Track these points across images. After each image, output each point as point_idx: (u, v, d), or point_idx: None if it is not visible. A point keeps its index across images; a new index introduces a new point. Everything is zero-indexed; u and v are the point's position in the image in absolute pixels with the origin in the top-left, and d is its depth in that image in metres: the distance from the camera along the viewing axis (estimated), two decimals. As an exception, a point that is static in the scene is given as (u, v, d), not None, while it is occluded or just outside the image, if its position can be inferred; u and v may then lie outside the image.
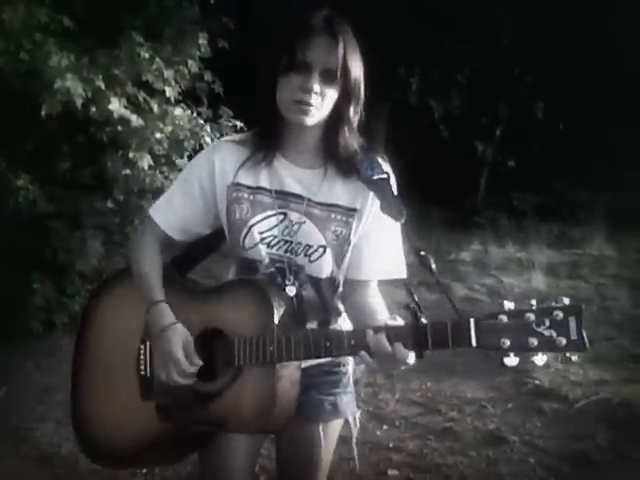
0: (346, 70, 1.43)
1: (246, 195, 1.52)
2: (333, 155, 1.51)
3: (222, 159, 1.53)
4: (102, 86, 3.79)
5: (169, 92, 4.29)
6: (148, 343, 1.56)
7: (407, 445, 3.21)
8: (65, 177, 4.31)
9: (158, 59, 4.13)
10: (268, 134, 1.52)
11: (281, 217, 1.51)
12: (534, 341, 1.18)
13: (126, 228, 4.50)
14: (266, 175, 1.52)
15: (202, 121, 4.57)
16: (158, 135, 4.23)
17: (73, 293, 4.36)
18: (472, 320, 1.23)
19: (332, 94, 1.45)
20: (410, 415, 3.52)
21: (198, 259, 1.75)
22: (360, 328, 1.38)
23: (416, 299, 1.28)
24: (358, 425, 1.67)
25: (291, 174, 1.52)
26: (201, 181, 1.55)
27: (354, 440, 1.68)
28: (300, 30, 1.44)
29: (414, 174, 8.99)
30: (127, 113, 3.97)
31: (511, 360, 1.20)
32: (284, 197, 1.51)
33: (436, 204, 8.97)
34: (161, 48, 4.27)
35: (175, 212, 1.57)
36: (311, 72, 1.41)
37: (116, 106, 3.88)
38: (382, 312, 1.52)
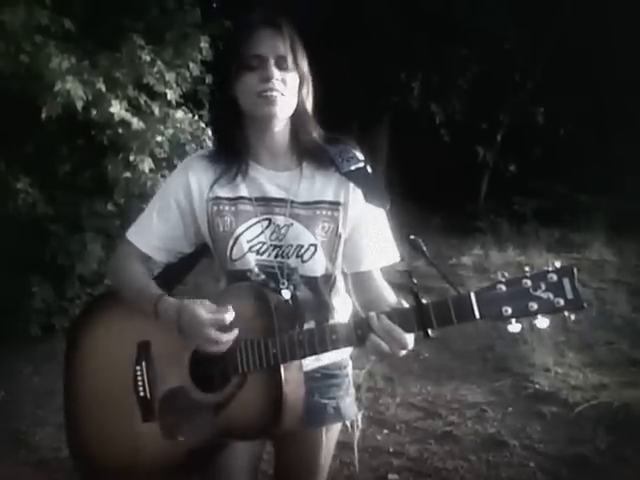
0: (295, 57, 1.46)
1: (227, 207, 1.51)
2: (305, 152, 1.51)
3: (197, 175, 1.53)
4: (103, 89, 3.79)
5: (170, 95, 4.30)
6: (144, 364, 1.52)
7: (407, 449, 3.19)
8: (65, 180, 4.31)
9: (159, 62, 4.14)
10: (237, 145, 1.51)
11: (266, 223, 1.50)
12: (534, 305, 1.21)
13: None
14: (244, 185, 1.52)
15: (203, 124, 4.58)
16: (159, 138, 4.23)
17: (73, 297, 4.35)
18: (472, 293, 1.26)
19: (292, 80, 1.46)
20: (410, 419, 3.51)
21: (181, 276, 1.71)
22: (364, 317, 1.36)
23: (415, 281, 1.30)
24: (359, 426, 1.66)
25: (269, 179, 1.51)
26: (178, 199, 1.54)
27: (355, 442, 1.67)
28: (243, 29, 1.47)
29: (416, 178, 9.04)
30: (128, 116, 3.98)
31: (514, 327, 1.23)
32: (266, 203, 1.51)
33: (437, 208, 8.97)
34: (162, 51, 4.28)
35: (154, 233, 1.56)
36: (266, 62, 1.43)
37: (117, 109, 3.88)
38: (392, 298, 1.53)
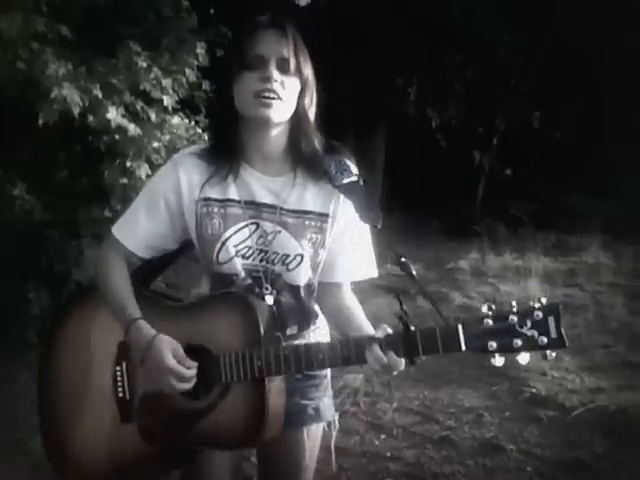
0: (298, 62, 1.44)
1: (216, 209, 1.49)
2: (301, 159, 1.50)
3: (188, 174, 1.50)
4: (99, 95, 3.79)
5: (167, 101, 4.30)
6: (125, 364, 1.52)
7: (405, 454, 3.20)
8: (62, 186, 4.30)
9: (156, 68, 4.14)
10: (231, 146, 1.50)
11: (253, 227, 1.49)
12: (518, 342, 1.25)
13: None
14: (235, 186, 1.50)
15: (200, 130, 4.58)
16: (156, 144, 4.23)
17: (70, 302, 4.33)
18: (460, 326, 1.28)
19: (292, 85, 1.44)
20: (408, 424, 3.52)
21: (160, 270, 1.70)
22: (352, 338, 1.40)
23: (404, 308, 1.32)
24: (337, 427, 1.66)
25: (260, 184, 1.50)
26: (167, 197, 1.51)
27: (333, 443, 1.67)
28: (248, 28, 1.46)
29: (412, 183, 9.06)
30: (125, 122, 3.97)
31: (497, 360, 1.27)
32: (255, 207, 1.49)
33: (434, 213, 9.00)
34: (159, 57, 4.28)
35: (141, 230, 1.53)
36: (267, 63, 1.42)
37: (114, 115, 3.87)
38: (359, 311, 1.57)
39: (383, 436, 3.38)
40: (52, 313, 1.72)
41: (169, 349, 1.42)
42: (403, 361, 1.33)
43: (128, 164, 4.10)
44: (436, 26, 8.52)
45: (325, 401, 1.64)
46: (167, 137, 4.33)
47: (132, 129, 4.01)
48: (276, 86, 1.41)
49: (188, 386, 1.42)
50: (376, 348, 1.33)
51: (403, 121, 9.45)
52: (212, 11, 4.82)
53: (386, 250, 1.56)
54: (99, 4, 4.18)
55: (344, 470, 3.02)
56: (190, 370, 1.42)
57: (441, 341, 1.29)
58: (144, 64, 4.05)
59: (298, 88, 1.46)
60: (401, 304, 1.34)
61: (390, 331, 1.35)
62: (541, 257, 7.36)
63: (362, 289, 1.65)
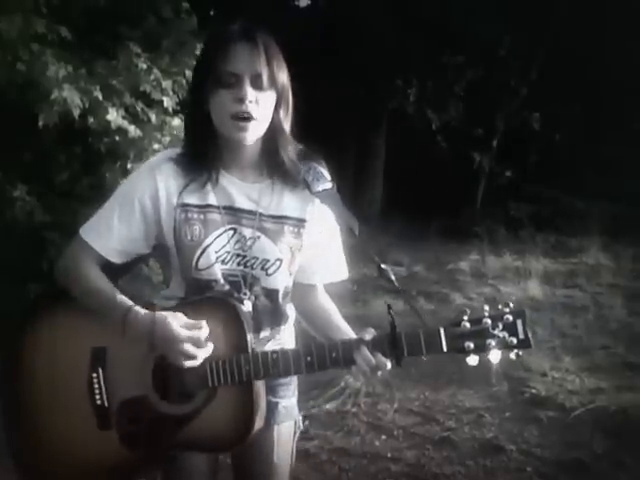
0: (272, 74, 1.42)
1: (196, 215, 1.48)
2: (277, 167, 1.51)
3: (165, 180, 1.48)
4: (100, 97, 3.79)
5: (167, 102, 4.30)
6: (101, 371, 1.47)
7: (405, 455, 3.20)
8: (63, 188, 4.30)
9: (156, 69, 4.14)
10: (208, 155, 1.48)
11: (231, 233, 1.49)
12: (492, 342, 1.38)
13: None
14: (213, 193, 1.49)
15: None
16: (156, 146, 4.23)
17: (70, 304, 4.33)
18: (442, 329, 1.39)
19: (267, 100, 1.43)
20: (408, 425, 3.52)
21: (124, 272, 1.63)
22: (341, 341, 1.44)
23: (392, 312, 1.40)
24: (301, 427, 1.70)
25: (239, 190, 1.50)
26: (143, 202, 1.48)
27: (295, 440, 1.69)
28: (218, 42, 1.44)
29: (413, 184, 9.06)
30: (125, 124, 3.98)
31: (472, 359, 1.39)
32: (234, 213, 1.49)
33: (434, 214, 8.99)
34: (159, 59, 4.28)
35: (114, 235, 1.49)
36: (241, 81, 1.40)
37: (114, 116, 3.88)
38: (335, 312, 1.62)
39: (384, 437, 3.39)
40: (17, 317, 1.64)
41: (174, 321, 1.39)
42: (389, 362, 1.40)
43: (129, 166, 4.10)
44: (436, 26, 8.53)
45: (293, 400, 1.67)
46: (167, 139, 4.33)
47: (132, 131, 4.01)
48: (251, 107, 1.40)
49: (206, 352, 1.39)
50: (365, 350, 1.39)
51: (403, 122, 9.45)
52: (212, 13, 4.82)
53: (383, 253, 1.59)
54: (99, 5, 4.19)
55: (345, 471, 3.02)
56: (203, 330, 1.38)
57: (424, 343, 1.39)
58: (144, 65, 4.06)
59: (273, 101, 1.45)
60: (389, 308, 1.40)
61: (376, 333, 1.41)
62: (541, 258, 7.36)
63: (363, 289, 1.67)
